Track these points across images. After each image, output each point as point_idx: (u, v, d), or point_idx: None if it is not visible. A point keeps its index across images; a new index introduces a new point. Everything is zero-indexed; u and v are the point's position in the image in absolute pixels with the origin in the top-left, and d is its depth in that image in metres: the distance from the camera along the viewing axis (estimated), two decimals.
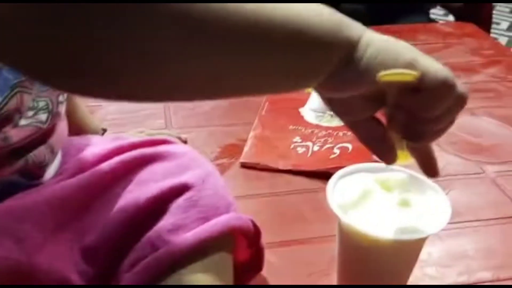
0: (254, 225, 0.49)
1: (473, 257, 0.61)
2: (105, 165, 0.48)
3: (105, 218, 0.45)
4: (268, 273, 0.57)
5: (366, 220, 0.47)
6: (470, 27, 1.24)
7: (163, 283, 0.41)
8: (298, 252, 0.61)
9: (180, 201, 0.45)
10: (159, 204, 0.45)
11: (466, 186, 0.72)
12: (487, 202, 0.69)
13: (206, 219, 0.44)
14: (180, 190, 0.46)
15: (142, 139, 0.53)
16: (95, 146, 0.52)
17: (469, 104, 0.92)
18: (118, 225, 0.45)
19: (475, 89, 0.97)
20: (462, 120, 0.87)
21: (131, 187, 0.47)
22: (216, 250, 0.44)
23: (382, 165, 0.54)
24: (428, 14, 1.46)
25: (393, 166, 0.53)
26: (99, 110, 0.88)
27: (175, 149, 0.51)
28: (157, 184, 0.46)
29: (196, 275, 0.42)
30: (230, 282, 0.46)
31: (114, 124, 0.84)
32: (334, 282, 0.56)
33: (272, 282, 0.57)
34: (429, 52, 1.15)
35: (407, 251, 0.48)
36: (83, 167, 0.49)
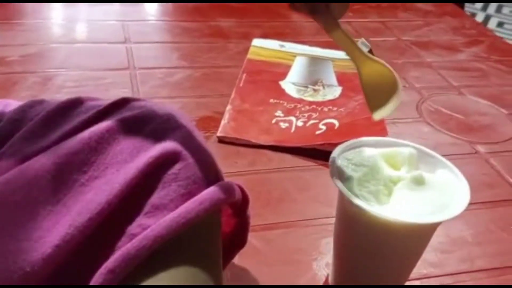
0: (243, 192, 0.42)
1: (473, 242, 0.56)
2: (55, 150, 0.37)
3: (67, 215, 0.35)
4: (253, 259, 0.51)
5: (376, 200, 0.41)
6: (450, 6, 1.20)
7: (143, 277, 0.33)
8: (286, 236, 0.55)
9: (158, 176, 0.37)
10: (136, 186, 0.37)
11: (460, 167, 0.67)
12: (483, 184, 0.65)
13: (189, 194, 0.37)
14: (158, 163, 0.37)
15: (97, 106, 0.42)
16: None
17: (455, 83, 0.89)
18: (87, 221, 0.34)
19: (460, 67, 0.93)
20: (450, 98, 0.83)
21: (95, 173, 0.37)
22: (203, 230, 0.37)
23: (385, 139, 0.48)
24: None
25: (399, 140, 0.48)
26: (56, 77, 0.78)
27: (142, 111, 0.40)
28: (129, 164, 0.37)
29: (181, 265, 0.35)
30: (220, 266, 0.39)
31: (73, 92, 0.75)
32: (328, 268, 0.51)
33: (258, 269, 0.50)
34: (410, 29, 1.10)
35: (421, 235, 0.42)
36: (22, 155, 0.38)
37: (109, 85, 0.77)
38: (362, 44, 0.91)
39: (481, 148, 0.72)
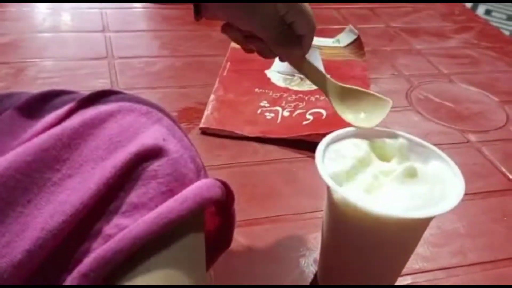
0: (227, 189, 0.39)
1: (465, 234, 0.54)
2: (25, 148, 0.34)
3: (39, 218, 0.32)
4: (239, 257, 0.48)
5: (366, 193, 0.38)
6: None
7: (120, 282, 0.30)
8: (272, 231, 0.52)
9: (137, 172, 0.34)
10: (114, 185, 0.33)
11: (451, 156, 0.65)
12: (475, 174, 0.63)
13: (170, 192, 0.34)
14: (137, 160, 0.34)
15: (71, 100, 0.39)
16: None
17: (445, 70, 0.87)
18: (60, 224, 0.31)
19: (450, 54, 0.91)
20: (440, 86, 0.81)
21: (69, 171, 0.34)
22: (185, 232, 0.34)
23: (374, 129, 0.46)
24: None
25: (389, 130, 0.45)
26: (30, 68, 0.75)
27: (119, 104, 0.37)
28: (106, 161, 0.34)
29: (161, 269, 0.32)
30: (203, 269, 0.36)
31: (49, 83, 0.72)
32: (316, 265, 0.48)
33: (244, 267, 0.48)
34: (399, 16, 1.07)
35: (412, 230, 0.40)
36: None
37: (86, 76, 0.74)
38: (350, 31, 0.88)
39: (472, 137, 0.70)
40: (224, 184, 0.39)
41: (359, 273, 0.42)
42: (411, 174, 0.39)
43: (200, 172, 0.38)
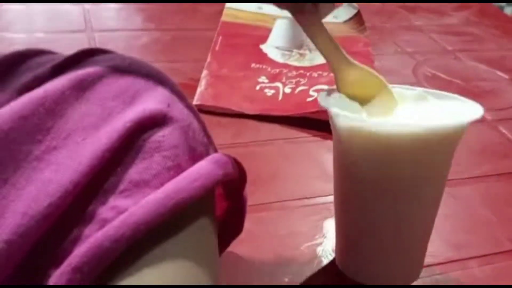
0: (240, 167, 0.33)
1: (496, 221, 0.49)
2: (2, 114, 0.27)
3: (19, 201, 0.26)
4: (247, 247, 0.42)
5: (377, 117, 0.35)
6: None
7: (122, 277, 0.24)
8: (281, 218, 0.46)
9: (138, 143, 0.28)
10: (110, 159, 0.27)
11: (467, 135, 0.60)
12: (496, 153, 0.58)
13: (178, 168, 0.28)
14: (137, 130, 0.28)
15: (54, 59, 0.32)
16: None
17: (450, 47, 0.82)
18: (46, 208, 0.25)
19: (452, 31, 0.87)
20: (447, 63, 0.76)
21: (54, 142, 0.28)
22: (197, 215, 0.28)
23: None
24: None
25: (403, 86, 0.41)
26: (1, 41, 0.67)
27: (113, 63, 0.31)
28: (99, 131, 0.28)
29: (170, 261, 0.26)
30: (217, 259, 0.30)
31: None
32: (332, 253, 0.42)
33: (252, 256, 0.42)
34: None
35: (436, 147, 0.34)
36: None
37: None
38: (349, 6, 0.82)
39: (487, 115, 0.65)
40: (237, 161, 0.33)
41: (385, 223, 0.36)
42: (424, 97, 0.36)
43: (211, 145, 0.32)
